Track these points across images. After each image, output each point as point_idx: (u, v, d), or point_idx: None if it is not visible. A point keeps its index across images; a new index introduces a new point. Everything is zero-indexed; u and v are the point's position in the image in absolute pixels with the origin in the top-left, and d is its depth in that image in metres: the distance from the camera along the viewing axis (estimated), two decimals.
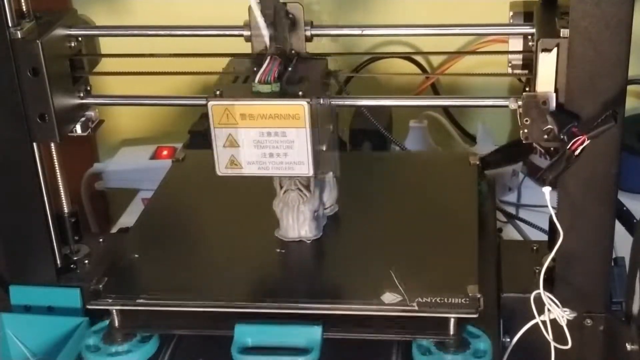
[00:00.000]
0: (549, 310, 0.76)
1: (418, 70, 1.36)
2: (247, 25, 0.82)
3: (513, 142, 1.21)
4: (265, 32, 0.80)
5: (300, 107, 0.77)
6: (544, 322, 0.77)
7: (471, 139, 1.39)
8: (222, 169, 0.81)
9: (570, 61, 0.75)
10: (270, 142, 0.78)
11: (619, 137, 0.77)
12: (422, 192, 0.96)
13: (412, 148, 1.27)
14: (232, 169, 0.80)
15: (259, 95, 0.77)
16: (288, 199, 0.86)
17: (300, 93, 0.77)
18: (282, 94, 0.77)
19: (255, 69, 0.79)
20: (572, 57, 0.75)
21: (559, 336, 0.77)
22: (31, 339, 0.87)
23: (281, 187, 0.87)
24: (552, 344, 0.77)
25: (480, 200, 0.96)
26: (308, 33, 0.82)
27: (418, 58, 1.36)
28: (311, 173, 0.79)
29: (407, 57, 1.34)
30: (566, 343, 0.76)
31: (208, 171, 1.00)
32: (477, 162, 0.99)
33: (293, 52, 0.82)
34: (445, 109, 1.38)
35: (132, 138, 1.49)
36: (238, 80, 0.81)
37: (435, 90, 1.38)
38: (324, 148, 0.80)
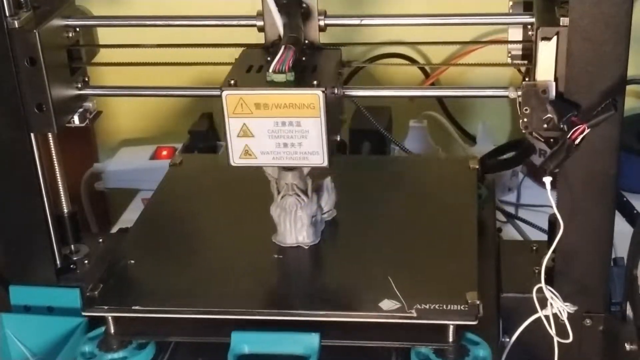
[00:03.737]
0: (550, 304, 0.76)
1: (419, 71, 1.36)
2: (260, 15, 0.82)
3: (512, 142, 1.21)
4: (278, 22, 0.79)
5: (315, 96, 0.76)
6: (546, 317, 0.77)
7: (471, 139, 1.39)
8: (236, 159, 0.80)
9: (569, 60, 0.75)
10: (284, 132, 0.78)
11: (618, 135, 0.77)
12: (421, 198, 0.95)
13: (412, 148, 1.26)
14: (246, 159, 0.79)
15: (274, 84, 0.77)
16: (285, 204, 0.85)
17: (315, 82, 0.76)
18: (297, 84, 0.77)
19: (268, 58, 0.79)
20: (571, 55, 0.75)
21: (559, 333, 0.77)
22: (31, 339, 0.87)
23: (279, 192, 0.85)
24: (555, 338, 0.77)
25: (479, 204, 0.95)
26: (322, 23, 0.82)
27: (418, 58, 1.35)
28: (326, 163, 0.79)
29: (407, 57, 1.34)
30: (567, 338, 0.76)
31: (205, 175, 1.00)
32: (477, 167, 0.99)
33: (307, 41, 0.81)
34: (445, 109, 1.38)
35: (132, 138, 1.49)
36: (252, 69, 0.80)
37: None
38: (338, 138, 0.79)
